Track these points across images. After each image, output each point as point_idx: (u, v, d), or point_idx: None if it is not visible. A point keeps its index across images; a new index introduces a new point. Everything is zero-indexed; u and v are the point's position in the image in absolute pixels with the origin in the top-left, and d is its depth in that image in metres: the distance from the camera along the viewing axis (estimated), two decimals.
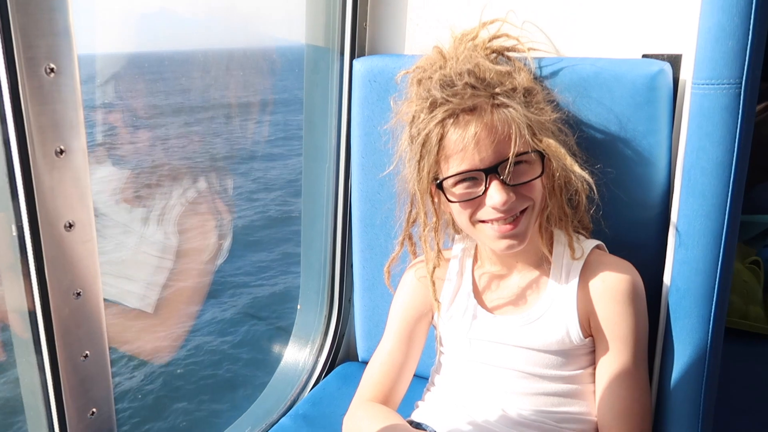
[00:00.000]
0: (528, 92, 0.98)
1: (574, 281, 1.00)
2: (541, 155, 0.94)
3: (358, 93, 1.26)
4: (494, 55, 1.08)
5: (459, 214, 0.98)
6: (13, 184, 0.74)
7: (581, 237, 1.06)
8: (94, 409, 0.86)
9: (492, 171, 0.91)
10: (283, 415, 1.32)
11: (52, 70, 0.71)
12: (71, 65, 0.73)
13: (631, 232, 1.09)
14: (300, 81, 1.37)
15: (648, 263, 1.06)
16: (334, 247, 1.45)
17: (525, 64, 1.07)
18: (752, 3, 0.81)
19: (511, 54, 1.09)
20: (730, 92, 0.85)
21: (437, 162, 0.95)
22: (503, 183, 0.91)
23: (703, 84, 0.87)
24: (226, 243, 1.58)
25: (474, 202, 0.95)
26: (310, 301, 1.51)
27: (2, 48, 0.68)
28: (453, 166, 0.93)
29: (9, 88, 0.68)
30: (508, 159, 0.90)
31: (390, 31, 1.30)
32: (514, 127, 0.91)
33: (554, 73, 1.09)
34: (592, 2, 1.14)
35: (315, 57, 1.32)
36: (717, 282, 0.93)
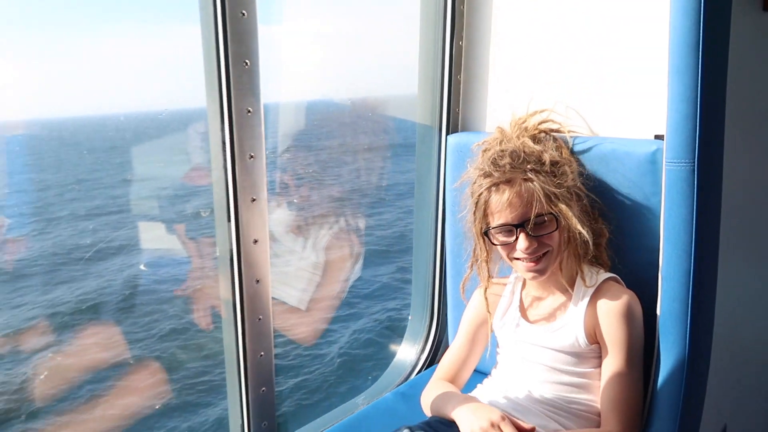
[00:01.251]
0: (554, 165, 1.37)
1: (585, 302, 1.36)
2: (556, 217, 1.33)
3: (450, 160, 1.74)
4: (542, 134, 1.49)
5: (501, 251, 1.40)
6: (229, 217, 1.34)
7: (601, 271, 1.41)
8: (262, 353, 1.43)
9: (520, 225, 1.32)
10: (388, 392, 1.80)
11: (252, 156, 1.31)
12: (261, 150, 1.33)
13: (642, 270, 1.40)
14: None
15: (655, 295, 1.38)
16: (434, 274, 1.92)
17: (565, 142, 1.47)
18: (696, 105, 1.15)
19: (556, 134, 1.49)
20: (687, 168, 1.18)
21: (485, 215, 1.38)
22: (527, 234, 1.32)
23: (669, 162, 1.21)
24: (358, 265, 2.13)
25: (509, 246, 1.36)
26: (417, 313, 1.99)
27: (228, 140, 1.28)
28: (494, 220, 1.36)
29: (231, 168, 1.29)
30: (530, 218, 1.31)
31: (475, 114, 1.77)
32: (535, 196, 1.31)
33: (585, 149, 1.46)
34: (620, 94, 1.50)
35: (423, 132, 1.83)
36: (689, 308, 1.24)
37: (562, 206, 1.32)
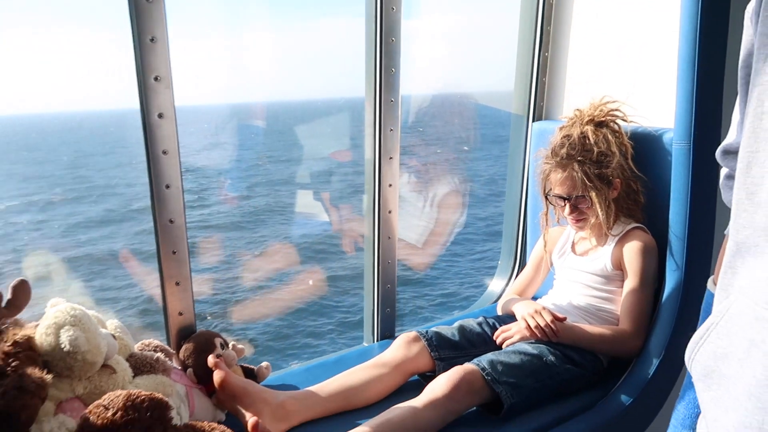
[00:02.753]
0: (601, 155, 1.91)
1: (614, 241, 1.92)
2: (589, 198, 1.88)
3: (533, 141, 2.34)
4: (609, 119, 2.00)
5: (558, 210, 1.99)
6: (374, 169, 2.07)
7: (632, 222, 1.95)
8: (389, 260, 2.15)
9: (566, 199, 1.91)
10: (477, 309, 2.45)
11: (392, 129, 2.02)
12: (397, 126, 2.03)
13: (661, 222, 1.91)
14: None
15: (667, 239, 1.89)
16: (518, 229, 2.53)
17: (625, 130, 1.99)
18: (692, 102, 1.67)
19: (619, 119, 2.00)
20: (684, 148, 1.71)
21: (545, 185, 1.98)
22: (570, 205, 1.91)
23: (675, 143, 1.74)
24: (462, 218, 2.78)
25: (561, 209, 1.95)
26: (505, 257, 2.61)
27: (378, 119, 2.00)
28: (552, 190, 1.95)
29: (378, 137, 2.01)
30: (572, 196, 1.89)
31: (553, 107, 2.35)
32: (577, 183, 1.87)
33: (635, 134, 1.98)
34: (661, 93, 2.01)
35: (516, 120, 2.45)
36: (685, 248, 1.76)
37: (593, 194, 1.86)
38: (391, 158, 2.05)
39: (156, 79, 1.51)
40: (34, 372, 1.18)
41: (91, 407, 1.13)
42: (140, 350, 1.63)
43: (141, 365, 1.55)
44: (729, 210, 0.82)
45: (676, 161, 1.75)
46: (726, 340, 0.79)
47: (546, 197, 2.00)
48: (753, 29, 0.82)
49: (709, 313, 1.10)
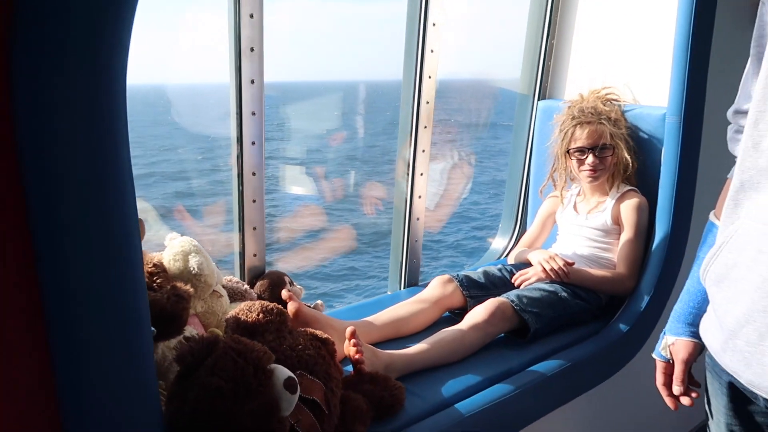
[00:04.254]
0: (615, 120, 2.28)
1: (613, 201, 2.29)
2: (613, 148, 2.26)
3: (538, 119, 2.69)
4: (606, 100, 2.39)
5: (574, 165, 2.34)
6: (411, 135, 2.38)
7: (628, 185, 2.33)
8: (418, 218, 2.47)
9: (591, 149, 2.27)
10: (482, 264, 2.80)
11: (428, 102, 2.33)
12: (432, 99, 2.34)
13: (653, 185, 2.30)
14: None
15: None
16: (520, 195, 2.89)
17: (619, 107, 2.37)
18: (684, 84, 2.04)
19: (615, 102, 2.39)
20: (676, 122, 2.09)
21: (569, 141, 2.33)
22: (595, 155, 2.26)
23: (668, 117, 2.12)
24: (468, 186, 3.13)
25: (581, 161, 2.31)
26: (506, 219, 2.97)
27: (417, 92, 2.30)
28: (575, 144, 2.30)
29: (417, 109, 2.31)
30: (598, 145, 2.25)
31: (557, 87, 2.71)
32: (605, 134, 2.24)
33: (630, 112, 2.36)
34: (654, 76, 2.39)
35: (522, 98, 2.79)
36: (672, 206, 2.14)
37: (619, 142, 2.25)
38: (425, 127, 2.36)
39: (251, 50, 1.77)
40: (181, 285, 1.45)
41: (237, 310, 1.41)
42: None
43: (234, 294, 1.82)
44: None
45: (669, 134, 2.12)
46: (735, 253, 1.03)
47: (567, 153, 2.33)
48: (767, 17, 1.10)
49: (708, 238, 1.44)
